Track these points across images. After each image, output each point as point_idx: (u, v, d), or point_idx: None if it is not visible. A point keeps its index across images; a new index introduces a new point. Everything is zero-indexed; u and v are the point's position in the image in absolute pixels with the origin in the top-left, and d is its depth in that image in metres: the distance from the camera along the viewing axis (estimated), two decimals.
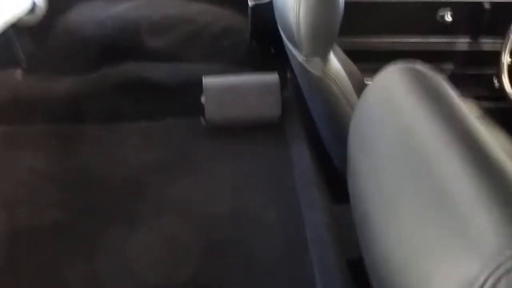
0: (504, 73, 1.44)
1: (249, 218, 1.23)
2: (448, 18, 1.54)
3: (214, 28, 1.66)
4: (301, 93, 1.29)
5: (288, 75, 1.61)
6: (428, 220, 0.45)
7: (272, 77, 1.52)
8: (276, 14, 1.12)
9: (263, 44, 1.64)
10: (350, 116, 1.00)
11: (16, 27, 1.54)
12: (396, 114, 0.57)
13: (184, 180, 1.35)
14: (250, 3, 1.52)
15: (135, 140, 1.51)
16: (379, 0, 1.54)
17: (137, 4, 1.70)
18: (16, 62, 1.63)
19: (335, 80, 0.99)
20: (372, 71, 0.71)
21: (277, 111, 1.51)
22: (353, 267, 1.05)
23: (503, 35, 1.44)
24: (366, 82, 1.19)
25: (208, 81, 1.51)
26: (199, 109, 1.51)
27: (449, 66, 1.63)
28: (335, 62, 1.02)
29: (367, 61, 1.27)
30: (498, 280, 0.36)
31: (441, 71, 0.95)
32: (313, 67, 0.98)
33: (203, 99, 1.51)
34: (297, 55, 1.01)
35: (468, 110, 0.53)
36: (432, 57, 1.52)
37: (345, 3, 0.94)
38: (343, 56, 1.21)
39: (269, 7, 1.21)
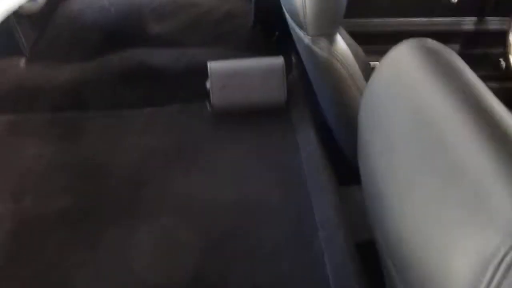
0: (510, 53, 1.43)
1: (257, 203, 1.23)
2: None
3: (218, 13, 1.65)
4: (307, 77, 1.28)
5: (293, 59, 1.59)
6: (445, 197, 0.45)
7: (277, 61, 1.51)
8: None
9: (268, 28, 1.63)
10: (357, 97, 0.99)
11: (17, 15, 1.53)
12: (410, 91, 0.57)
13: (190, 166, 1.34)
14: None
15: (139, 126, 1.50)
16: None
17: None
18: (19, 50, 1.62)
19: (342, 61, 0.98)
20: (377, 53, 0.70)
21: (283, 95, 1.50)
22: (360, 249, 1.05)
23: (509, 15, 1.43)
24: (372, 64, 1.18)
25: (213, 65, 1.49)
26: (204, 95, 1.50)
27: (455, 47, 1.62)
28: (342, 43, 1.01)
29: (372, 43, 1.26)
30: None
31: None
32: (320, 48, 0.97)
33: (208, 84, 1.49)
34: (303, 37, 1.00)
35: (483, 85, 0.52)
36: (438, 37, 1.50)
37: None
38: (348, 37, 1.20)
39: None
